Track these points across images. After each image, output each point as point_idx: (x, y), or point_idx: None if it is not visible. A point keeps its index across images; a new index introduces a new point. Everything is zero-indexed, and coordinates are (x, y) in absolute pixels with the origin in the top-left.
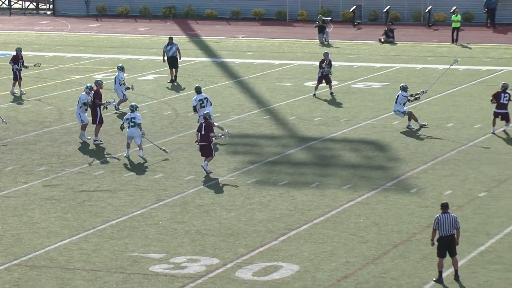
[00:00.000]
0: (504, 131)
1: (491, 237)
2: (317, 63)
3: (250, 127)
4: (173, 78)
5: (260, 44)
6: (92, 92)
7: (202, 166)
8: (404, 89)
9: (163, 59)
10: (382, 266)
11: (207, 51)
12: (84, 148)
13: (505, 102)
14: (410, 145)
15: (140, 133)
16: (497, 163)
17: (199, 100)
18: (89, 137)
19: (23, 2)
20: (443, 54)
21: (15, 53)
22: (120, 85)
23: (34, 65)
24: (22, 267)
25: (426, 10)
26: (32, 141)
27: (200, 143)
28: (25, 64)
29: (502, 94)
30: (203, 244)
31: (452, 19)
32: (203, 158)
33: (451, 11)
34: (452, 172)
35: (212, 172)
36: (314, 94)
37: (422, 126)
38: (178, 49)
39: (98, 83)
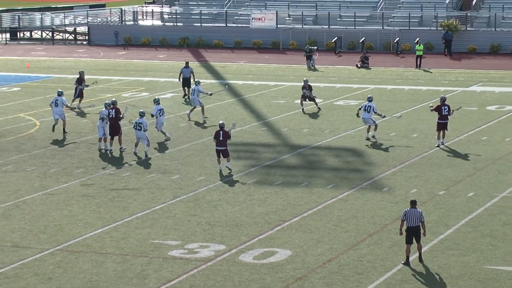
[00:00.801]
0: (442, 143)
1: (449, 228)
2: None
3: (250, 136)
4: (187, 94)
5: (258, 69)
6: (113, 109)
7: (226, 166)
8: (371, 100)
9: (179, 79)
10: (359, 251)
11: (215, 74)
12: (115, 154)
13: (445, 113)
14: (382, 152)
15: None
16: (454, 167)
17: (159, 110)
18: (111, 148)
19: (64, 34)
20: (409, 77)
21: (78, 75)
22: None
23: (92, 84)
24: (63, 251)
25: (395, 41)
26: (71, 148)
27: (218, 147)
28: (86, 84)
29: (443, 107)
30: (212, 233)
31: (416, 48)
32: (218, 160)
33: (415, 41)
34: (417, 174)
35: (231, 170)
36: (302, 109)
37: (371, 137)
38: (192, 72)
39: (115, 102)
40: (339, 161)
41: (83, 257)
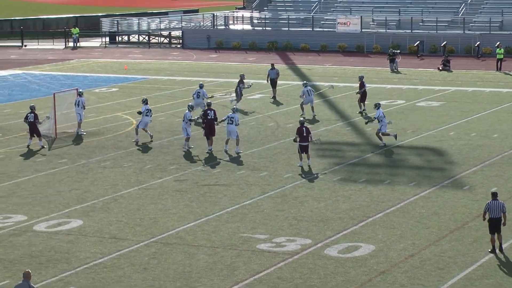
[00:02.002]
0: None
1: None
2: (389, 86)
3: (335, 136)
4: (274, 96)
5: (343, 71)
6: (212, 111)
7: (308, 165)
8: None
9: (267, 80)
10: (441, 247)
11: (302, 76)
12: (206, 151)
13: None
14: (463, 151)
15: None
16: None
17: (147, 110)
18: (191, 146)
19: (159, 37)
20: (489, 80)
21: (239, 78)
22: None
23: (250, 86)
24: (158, 243)
25: (476, 45)
26: (166, 146)
27: (301, 143)
28: (245, 86)
29: None
30: (299, 227)
31: (496, 52)
32: (300, 156)
33: (496, 45)
34: (497, 173)
35: (310, 164)
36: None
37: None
38: (278, 73)
39: (210, 103)
40: (421, 160)
41: (176, 249)
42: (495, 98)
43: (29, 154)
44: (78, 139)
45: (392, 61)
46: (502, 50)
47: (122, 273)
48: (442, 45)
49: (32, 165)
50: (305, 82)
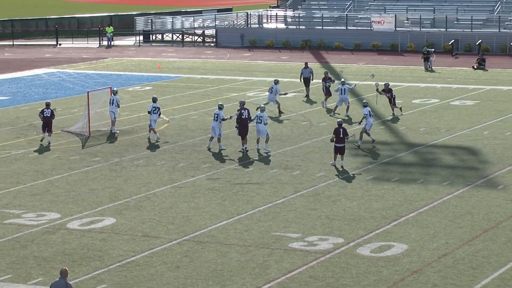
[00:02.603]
0: None
1: None
2: (423, 85)
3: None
4: (307, 94)
5: (377, 70)
6: (245, 110)
7: (341, 166)
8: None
9: (300, 79)
10: (474, 247)
11: (335, 74)
12: (239, 150)
13: None
14: (497, 150)
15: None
16: None
17: (154, 107)
18: (225, 148)
19: (193, 36)
20: None
21: (323, 75)
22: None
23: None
24: (190, 242)
25: (511, 44)
26: (199, 144)
27: (336, 144)
28: (327, 85)
29: None
30: (331, 226)
31: None
32: (334, 157)
33: None
34: None
35: (343, 166)
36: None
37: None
38: (312, 72)
39: (243, 102)
40: (455, 159)
41: (209, 247)
42: None
43: (63, 152)
44: (111, 137)
45: (427, 59)
46: None
47: (155, 271)
48: (477, 43)
49: (65, 163)
50: (343, 80)
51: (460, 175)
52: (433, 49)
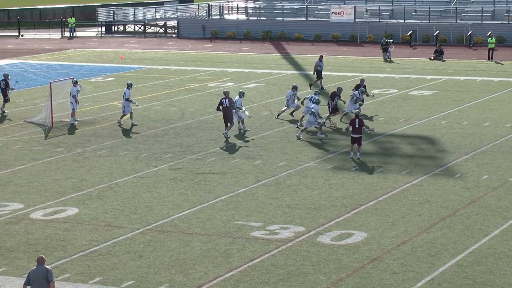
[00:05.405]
0: None
1: None
2: (382, 75)
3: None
4: (322, 86)
5: (337, 60)
6: (226, 99)
7: (357, 157)
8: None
9: (313, 72)
10: (433, 234)
11: (295, 65)
12: (201, 140)
13: None
14: (455, 139)
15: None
16: None
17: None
18: (248, 129)
19: (155, 27)
20: (481, 69)
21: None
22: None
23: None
24: (153, 231)
25: (468, 34)
26: (161, 134)
27: (352, 135)
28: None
29: None
30: (292, 215)
31: (488, 41)
32: (351, 147)
33: (488, 35)
34: (488, 161)
35: (359, 157)
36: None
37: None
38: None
39: (227, 92)
40: (413, 148)
41: (171, 236)
42: (486, 87)
43: (26, 143)
44: (73, 128)
45: (385, 50)
46: (494, 39)
47: (118, 260)
48: (434, 34)
49: (28, 154)
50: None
51: (419, 164)
52: (392, 40)
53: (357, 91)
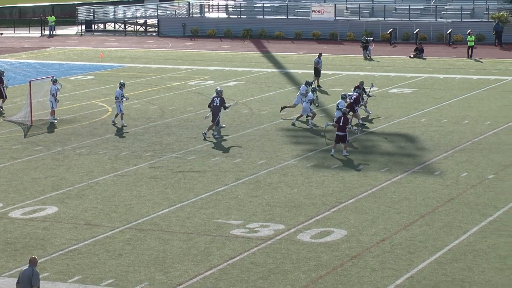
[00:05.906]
0: None
1: (498, 210)
2: (362, 73)
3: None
4: (318, 84)
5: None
6: (218, 98)
7: (344, 154)
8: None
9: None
10: (412, 231)
11: (276, 63)
12: (181, 138)
13: None
14: (434, 137)
15: None
16: (503, 152)
17: (121, 94)
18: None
19: (135, 26)
20: (461, 67)
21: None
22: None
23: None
24: (133, 229)
25: (447, 32)
26: (141, 133)
27: (337, 133)
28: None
29: None
30: (272, 213)
31: (467, 39)
32: (334, 146)
33: (467, 33)
34: (467, 158)
35: (348, 154)
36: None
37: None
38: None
39: (219, 91)
40: (393, 146)
41: (151, 235)
42: (466, 85)
43: (5, 141)
44: (52, 126)
45: (365, 48)
46: (473, 37)
47: (97, 259)
48: (414, 32)
49: (7, 153)
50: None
51: (398, 162)
52: (372, 38)
53: (351, 92)
